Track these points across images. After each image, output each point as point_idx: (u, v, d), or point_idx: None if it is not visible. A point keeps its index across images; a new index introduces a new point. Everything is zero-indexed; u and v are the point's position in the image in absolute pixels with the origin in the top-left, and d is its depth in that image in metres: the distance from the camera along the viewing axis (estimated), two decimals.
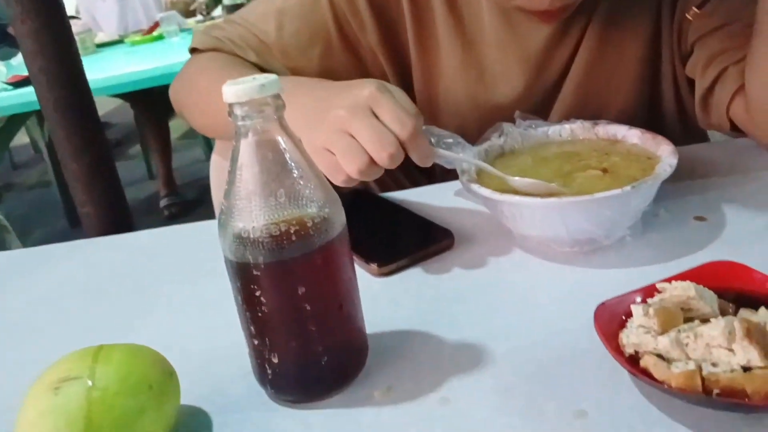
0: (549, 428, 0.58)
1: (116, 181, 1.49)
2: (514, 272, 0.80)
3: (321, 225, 0.59)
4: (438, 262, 0.83)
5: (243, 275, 0.58)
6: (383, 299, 0.78)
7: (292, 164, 0.59)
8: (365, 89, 0.75)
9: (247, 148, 0.58)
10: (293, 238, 0.57)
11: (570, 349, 0.65)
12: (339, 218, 0.61)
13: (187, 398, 0.64)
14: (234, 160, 0.58)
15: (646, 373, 0.57)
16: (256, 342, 0.61)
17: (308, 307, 0.60)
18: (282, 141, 0.59)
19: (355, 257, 0.81)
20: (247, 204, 0.57)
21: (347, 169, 0.75)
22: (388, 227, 0.91)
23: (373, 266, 0.81)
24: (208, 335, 0.76)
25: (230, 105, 0.57)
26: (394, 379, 0.65)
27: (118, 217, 1.46)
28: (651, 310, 0.60)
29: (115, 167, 1.49)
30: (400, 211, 0.94)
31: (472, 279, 0.79)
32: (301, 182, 0.59)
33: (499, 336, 0.69)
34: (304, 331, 0.60)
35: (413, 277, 0.82)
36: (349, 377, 0.64)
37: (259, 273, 0.57)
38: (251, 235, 0.57)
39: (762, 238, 0.78)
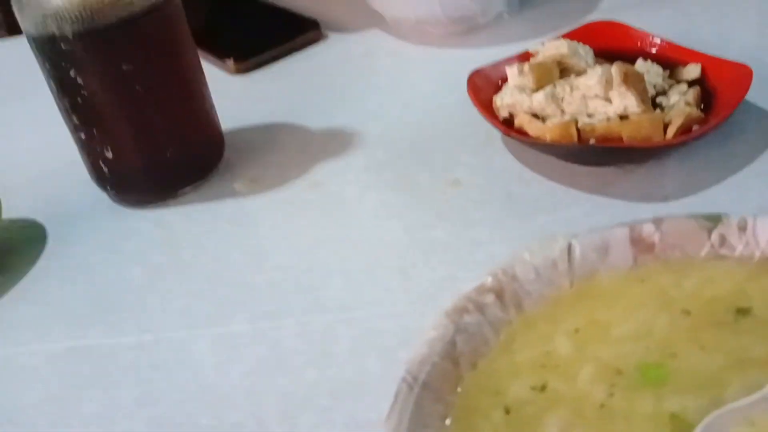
0: (422, 199, 0.55)
1: None
2: (387, 58, 0.75)
3: None
4: (306, 55, 0.76)
5: (50, 52, 0.50)
6: (246, 96, 0.72)
7: None
8: None
9: None
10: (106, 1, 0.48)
11: (444, 123, 0.62)
12: None
13: (15, 212, 0.56)
14: None
15: (520, 133, 0.54)
16: (83, 136, 0.54)
17: (139, 89, 0.52)
18: None
19: (209, 55, 0.73)
20: None
21: None
22: (246, 22, 0.83)
23: (230, 62, 0.74)
24: (41, 152, 0.67)
25: None
26: (257, 170, 0.60)
27: None
28: (526, 68, 0.57)
29: None
30: (260, 3, 0.85)
31: (342, 69, 0.74)
32: None
33: (372, 119, 0.65)
34: (138, 118, 0.53)
35: (279, 71, 0.75)
36: (203, 172, 0.59)
37: (69, 47, 0.49)
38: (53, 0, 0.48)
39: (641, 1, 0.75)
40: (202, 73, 0.58)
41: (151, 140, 0.55)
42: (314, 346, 0.45)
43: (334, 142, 0.62)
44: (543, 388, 0.31)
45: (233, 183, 0.59)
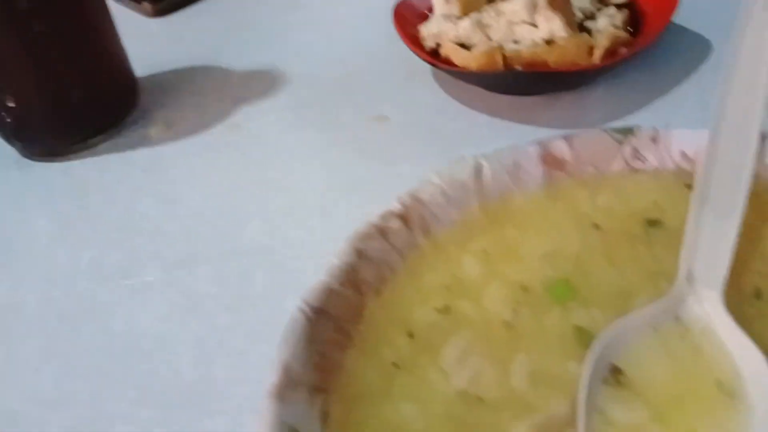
0: (347, 136, 0.54)
1: None
2: None
3: None
4: None
5: None
6: (163, 39, 0.69)
7: None
8: None
9: None
10: None
11: (369, 59, 0.61)
12: None
13: None
14: None
15: (447, 63, 0.53)
16: None
17: (38, 28, 0.49)
18: None
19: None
20: None
21: None
22: None
23: (146, 4, 0.71)
24: None
25: None
26: (173, 115, 0.58)
27: None
28: None
29: None
30: None
31: (263, 7, 0.71)
32: None
33: (295, 57, 0.63)
34: (39, 61, 0.51)
35: (198, 13, 0.72)
36: (115, 119, 0.56)
37: None
38: None
39: None
40: (108, 11, 0.55)
41: (55, 85, 0.52)
42: (230, 290, 0.44)
43: (255, 83, 0.60)
44: (447, 310, 0.30)
45: (148, 129, 0.57)
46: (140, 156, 0.55)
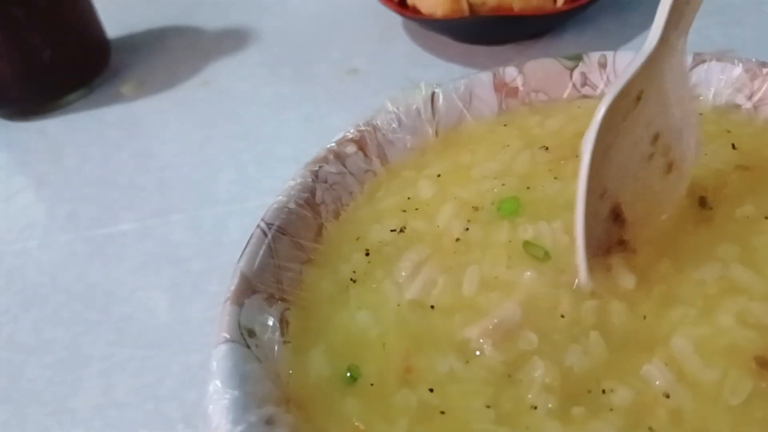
0: (319, 89, 0.57)
1: None
2: None
3: None
4: None
5: None
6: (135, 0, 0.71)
7: None
8: None
9: None
10: None
11: (341, 14, 0.63)
12: None
13: None
14: None
15: (414, 12, 0.56)
16: None
17: None
18: None
19: None
20: None
21: None
22: None
23: None
24: None
25: None
26: (145, 73, 0.61)
27: None
28: None
29: None
30: None
31: None
32: None
33: (268, 14, 0.65)
34: (7, 23, 0.53)
35: None
36: (86, 78, 0.59)
37: None
38: None
39: None
40: None
41: (25, 46, 0.54)
42: (204, 238, 0.47)
43: (227, 40, 0.63)
44: (402, 229, 0.33)
45: (119, 88, 0.59)
46: (113, 114, 0.57)
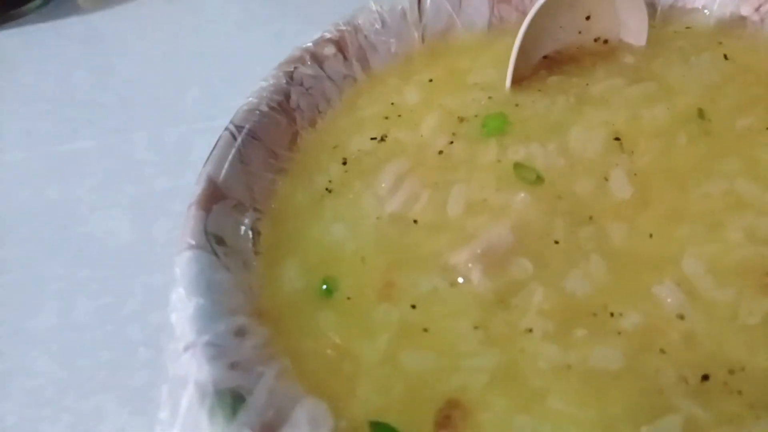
0: (291, 5, 0.53)
1: None
2: None
3: None
4: None
5: None
6: None
7: None
8: None
9: None
10: None
11: None
12: None
13: None
14: None
15: None
16: None
17: None
18: None
19: None
20: None
21: None
22: None
23: None
24: None
25: None
26: None
27: None
28: None
29: None
30: None
31: None
32: None
33: None
34: None
35: None
36: None
37: None
38: None
39: None
40: None
41: None
42: (168, 156, 0.44)
43: None
44: (383, 138, 0.31)
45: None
46: (72, 27, 0.54)
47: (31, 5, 0.54)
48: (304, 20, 0.51)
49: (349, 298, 0.26)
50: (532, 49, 0.32)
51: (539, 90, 0.31)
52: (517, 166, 0.29)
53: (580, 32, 0.33)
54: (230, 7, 0.54)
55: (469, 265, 0.26)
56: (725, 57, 0.32)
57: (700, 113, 0.30)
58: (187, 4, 0.55)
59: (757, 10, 0.33)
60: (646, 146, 0.29)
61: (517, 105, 0.31)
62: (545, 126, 0.31)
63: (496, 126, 0.31)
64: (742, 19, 0.33)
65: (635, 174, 0.28)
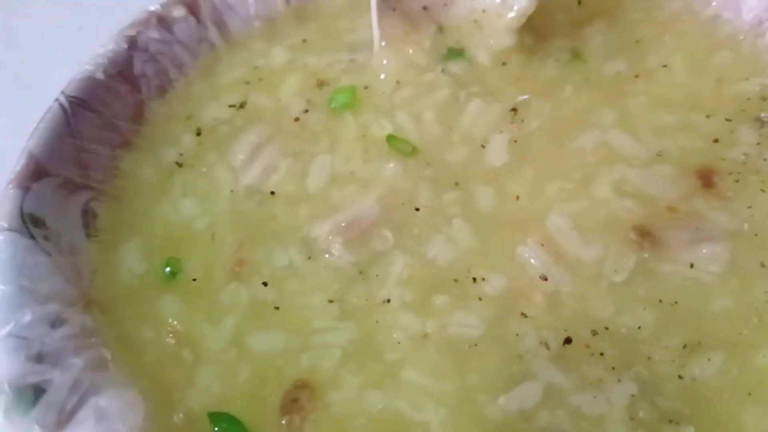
0: None
1: None
2: None
3: None
4: None
5: None
6: None
7: None
8: None
9: None
10: None
11: None
12: None
13: None
14: None
15: None
16: None
17: None
18: None
19: None
20: None
21: None
22: None
23: None
24: None
25: None
26: None
27: None
28: None
29: None
30: None
31: None
32: None
33: None
34: None
35: None
36: None
37: None
38: None
39: None
40: None
41: None
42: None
43: None
44: (243, 105, 0.28)
45: None
46: None
47: None
48: None
49: (194, 280, 0.24)
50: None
51: (416, 43, 0.29)
52: (391, 138, 0.27)
53: None
54: None
55: (330, 237, 0.24)
56: (579, 2, 0.32)
57: (576, 53, 0.29)
58: None
59: None
60: (537, 110, 0.28)
61: (381, 68, 0.29)
62: (418, 93, 0.29)
63: (344, 101, 0.28)
64: None
65: (515, 141, 0.26)
